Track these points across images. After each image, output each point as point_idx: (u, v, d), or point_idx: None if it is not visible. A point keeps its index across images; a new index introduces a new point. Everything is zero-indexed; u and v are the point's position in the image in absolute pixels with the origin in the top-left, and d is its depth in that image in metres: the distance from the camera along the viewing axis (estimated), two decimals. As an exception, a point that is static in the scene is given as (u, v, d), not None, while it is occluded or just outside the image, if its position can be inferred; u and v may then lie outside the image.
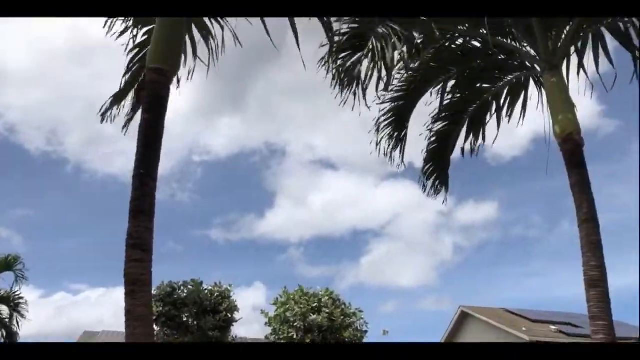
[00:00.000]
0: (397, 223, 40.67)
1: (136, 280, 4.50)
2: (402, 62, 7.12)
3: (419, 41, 7.18)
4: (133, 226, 4.63)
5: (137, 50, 7.01)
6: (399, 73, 7.71)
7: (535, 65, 7.39)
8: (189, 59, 6.98)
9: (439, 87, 8.09)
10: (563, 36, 6.90)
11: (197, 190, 41.44)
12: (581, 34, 7.02)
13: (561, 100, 6.72)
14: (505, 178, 38.49)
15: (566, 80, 7.06)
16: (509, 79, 7.95)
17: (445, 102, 8.22)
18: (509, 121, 8.21)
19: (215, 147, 42.78)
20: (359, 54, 6.96)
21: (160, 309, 20.66)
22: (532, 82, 7.97)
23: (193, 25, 6.75)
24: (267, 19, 5.61)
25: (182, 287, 21.91)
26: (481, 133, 8.46)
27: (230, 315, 21.91)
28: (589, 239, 6.07)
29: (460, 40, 7.81)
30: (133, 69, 7.04)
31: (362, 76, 6.85)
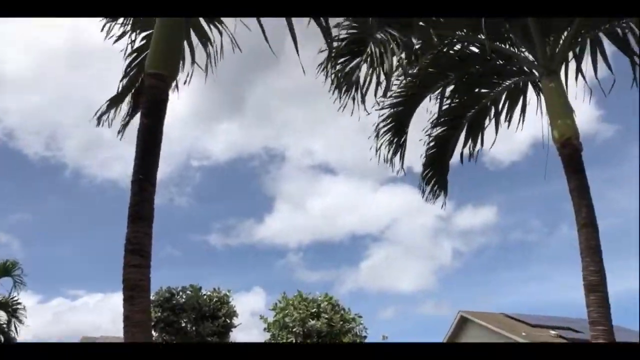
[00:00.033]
0: (396, 228, 40.72)
1: (135, 285, 4.49)
2: (400, 68, 7.14)
3: (417, 46, 7.19)
4: (132, 232, 4.62)
5: (135, 54, 7.01)
6: (397, 79, 7.74)
7: (534, 71, 7.41)
8: (187, 63, 6.99)
9: (437, 92, 8.11)
10: (561, 41, 6.92)
11: (195, 195, 41.47)
12: (579, 39, 7.04)
13: (559, 105, 6.74)
14: (504, 183, 38.56)
15: (564, 85, 7.08)
16: (507, 84, 7.97)
17: (444, 107, 8.24)
18: (508, 126, 8.23)
19: (214, 151, 42.90)
20: (357, 59, 6.98)
21: (159, 314, 20.64)
22: (530, 87, 7.99)
23: (191, 30, 6.76)
24: (265, 24, 5.62)
25: (180, 293, 21.90)
26: (480, 138, 8.48)
27: (229, 321, 21.89)
28: (588, 243, 6.07)
29: (458, 46, 7.84)
30: (131, 73, 7.04)
31: (361, 81, 6.87)
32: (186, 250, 38.66)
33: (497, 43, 7.39)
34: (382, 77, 6.69)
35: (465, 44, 7.76)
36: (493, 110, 8.26)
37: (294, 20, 5.68)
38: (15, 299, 19.69)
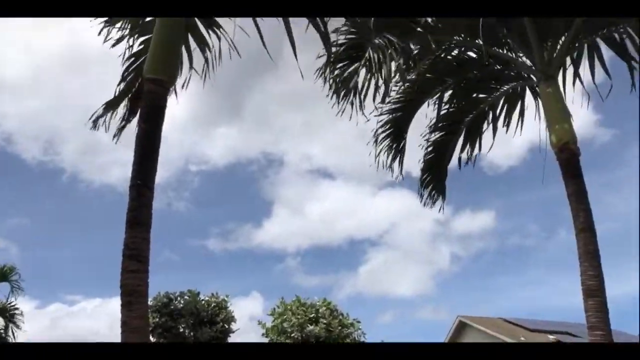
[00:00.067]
0: (395, 232, 40.70)
1: (132, 291, 4.48)
2: (399, 74, 7.16)
3: (415, 52, 7.21)
4: (129, 237, 4.61)
5: (132, 59, 7.01)
6: (396, 85, 7.76)
7: (531, 76, 7.43)
8: (185, 68, 7.00)
9: (435, 98, 8.13)
10: (558, 47, 6.95)
11: (193, 200, 41.43)
12: (577, 45, 7.07)
13: (557, 109, 6.76)
14: (502, 187, 38.58)
15: (562, 90, 7.11)
16: (505, 89, 7.99)
17: (442, 112, 8.26)
18: (506, 131, 8.25)
19: (213, 156, 42.87)
20: (356, 64, 6.99)
21: (157, 320, 20.58)
22: (528, 92, 8.02)
23: (190, 36, 6.77)
24: (263, 29, 5.64)
25: (178, 298, 21.84)
26: (478, 143, 8.50)
27: (227, 326, 21.85)
28: (586, 248, 6.08)
29: (455, 51, 7.86)
30: (128, 78, 7.04)
31: (359, 86, 6.89)
32: (184, 254, 38.58)
33: (495, 48, 7.41)
34: (381, 82, 6.71)
35: (463, 49, 7.78)
36: (491, 115, 8.28)
37: (292, 25, 5.71)
38: (12, 304, 19.65)
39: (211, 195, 44.90)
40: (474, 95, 8.25)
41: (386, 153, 8.33)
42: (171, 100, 5.61)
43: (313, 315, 21.71)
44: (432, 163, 8.61)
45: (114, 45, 6.90)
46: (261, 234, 43.12)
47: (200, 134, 40.27)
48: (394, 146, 8.35)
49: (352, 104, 7.15)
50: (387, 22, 6.38)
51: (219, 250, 40.34)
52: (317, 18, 5.97)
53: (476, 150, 8.53)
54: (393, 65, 6.67)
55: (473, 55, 7.80)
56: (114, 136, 7.11)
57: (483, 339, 22.93)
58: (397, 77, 7.29)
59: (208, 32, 6.76)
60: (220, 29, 6.70)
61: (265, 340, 22.18)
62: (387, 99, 7.68)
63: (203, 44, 6.89)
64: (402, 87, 7.95)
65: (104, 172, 40.59)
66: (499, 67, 7.87)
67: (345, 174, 41.08)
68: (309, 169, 42.16)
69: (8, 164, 36.76)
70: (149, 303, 6.17)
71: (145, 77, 5.30)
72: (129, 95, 7.03)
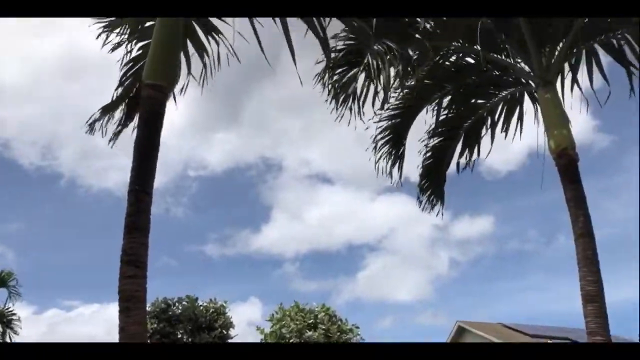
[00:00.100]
0: (393, 237, 40.69)
1: (130, 297, 4.46)
2: (397, 80, 7.18)
3: (414, 57, 7.22)
4: (127, 242, 4.60)
5: (131, 64, 7.02)
6: (395, 92, 7.79)
7: (530, 81, 7.45)
8: (183, 73, 7.00)
9: (434, 103, 8.15)
10: (557, 52, 6.97)
11: (192, 205, 41.38)
12: (575, 50, 7.09)
13: (556, 115, 6.77)
14: (500, 192, 38.60)
15: (560, 96, 7.12)
16: (503, 94, 8.01)
17: (440, 118, 8.27)
18: (505, 136, 8.26)
19: (211, 161, 42.86)
20: (354, 70, 7.01)
21: (155, 325, 20.51)
22: (527, 97, 8.03)
23: (188, 41, 6.78)
24: (262, 34, 5.65)
25: (176, 304, 21.78)
26: (476, 148, 8.51)
27: (225, 332, 21.78)
28: (585, 253, 6.07)
29: (454, 57, 7.88)
30: (126, 82, 7.05)
31: (358, 92, 6.90)
32: (182, 260, 38.52)
33: (493, 54, 7.43)
34: (379, 87, 6.72)
35: (461, 55, 7.80)
36: (489, 121, 8.29)
37: (291, 30, 5.72)
38: (10, 309, 19.60)
39: (209, 201, 44.88)
40: (473, 100, 8.27)
41: (385, 159, 8.34)
42: (170, 106, 5.62)
43: (312, 320, 21.66)
44: (430, 168, 8.61)
45: (112, 50, 6.93)
46: (260, 239, 43.06)
47: (198, 139, 40.32)
48: (393, 152, 8.36)
49: (350, 109, 7.16)
50: (385, 27, 6.37)
51: (217, 256, 40.27)
52: (316, 23, 5.99)
53: (475, 156, 8.55)
54: (392, 71, 6.68)
55: (471, 61, 7.82)
56: (110, 140, 7.13)
57: (482, 345, 22.85)
58: (396, 83, 7.30)
59: (207, 38, 6.78)
60: (219, 35, 6.72)
61: (264, 346, 22.09)
62: (386, 105, 7.70)
63: (202, 50, 6.91)
64: (401, 94, 7.98)
65: (102, 177, 40.60)
66: (497, 73, 7.89)
67: (344, 179, 41.15)
68: (308, 174, 42.21)
69: (5, 169, 36.71)
70: (147, 309, 6.16)
71: (144, 83, 5.30)
72: (126, 100, 7.04)
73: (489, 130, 8.33)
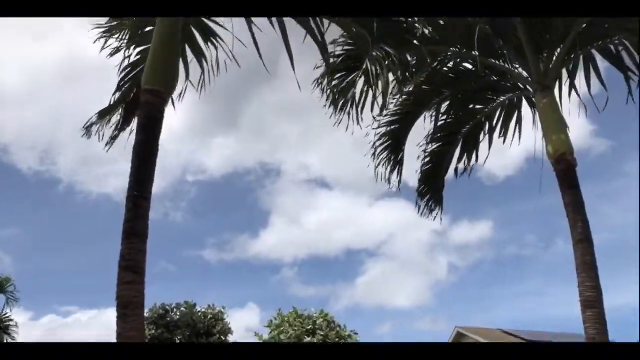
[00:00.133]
0: (392, 243, 40.67)
1: (128, 303, 4.45)
2: (396, 86, 7.20)
3: (413, 63, 7.24)
4: (126, 248, 4.60)
5: (129, 69, 7.03)
6: (393, 98, 7.81)
7: (528, 87, 7.46)
8: (182, 79, 7.00)
9: (433, 109, 8.17)
10: (554, 58, 6.99)
11: (190, 210, 41.33)
12: (572, 56, 7.11)
13: (554, 120, 6.78)
14: (499, 197, 38.62)
15: (559, 101, 7.14)
16: (501, 100, 8.03)
17: (439, 123, 8.29)
18: (503, 142, 8.28)
19: (210, 166, 42.84)
20: (353, 75, 7.01)
21: (153, 331, 20.44)
22: (525, 102, 8.05)
23: (187, 47, 6.79)
24: (261, 39, 5.67)
25: (175, 310, 21.72)
26: (475, 153, 8.52)
27: (224, 338, 21.69)
28: (584, 259, 6.06)
29: (452, 63, 7.90)
30: (124, 87, 7.05)
31: (357, 97, 6.91)
32: (181, 265, 38.41)
33: (491, 59, 7.45)
34: (378, 93, 6.73)
35: (458, 60, 7.82)
36: (488, 126, 8.31)
37: (290, 35, 5.74)
38: (7, 315, 19.54)
39: (208, 206, 44.81)
40: (471, 106, 8.28)
41: (385, 165, 8.36)
42: (168, 111, 5.61)
43: (310, 327, 21.60)
44: (429, 174, 8.62)
45: (112, 55, 6.93)
46: (258, 244, 43.03)
47: (197, 144, 40.36)
48: (392, 158, 8.38)
49: (349, 114, 7.17)
50: (384, 33, 6.38)
51: (216, 261, 40.17)
52: (315, 28, 6.01)
53: (473, 161, 8.56)
54: (391, 76, 6.69)
55: (469, 66, 7.84)
56: (107, 144, 7.13)
57: (481, 351, 22.76)
58: (394, 89, 7.32)
59: (206, 44, 6.79)
60: (218, 40, 6.73)
61: (262, 352, 22.03)
62: (385, 112, 7.73)
63: (200, 55, 6.91)
64: (400, 100, 8.00)
65: (101, 183, 40.50)
66: (495, 78, 7.90)
67: (343, 184, 41.12)
68: (306, 179, 42.16)
69: (4, 174, 36.66)
70: (145, 314, 6.14)
71: (143, 88, 5.31)
72: (124, 105, 7.04)
73: (487, 136, 8.34)
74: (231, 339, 22.24)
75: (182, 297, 22.53)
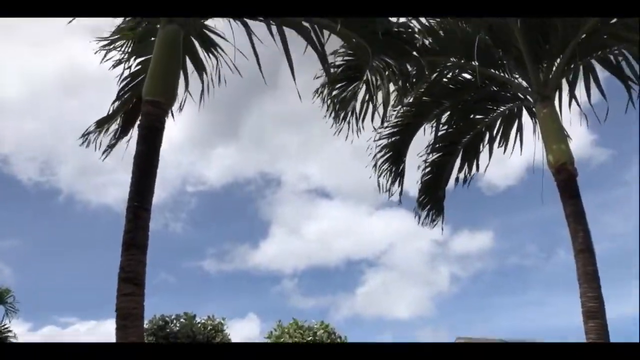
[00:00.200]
0: (392, 252, 40.49)
1: (128, 314, 4.43)
2: (396, 97, 7.21)
3: (413, 73, 7.25)
4: (125, 259, 4.58)
5: (129, 79, 7.04)
6: (394, 110, 7.83)
7: (528, 97, 7.48)
8: (182, 89, 7.01)
9: (433, 120, 8.19)
10: (554, 68, 7.01)
11: (190, 220, 41.25)
12: (572, 66, 7.13)
13: (554, 130, 6.78)
14: (500, 207, 38.55)
15: (559, 111, 7.15)
16: (501, 110, 8.04)
17: (439, 134, 8.30)
18: (504, 151, 8.28)
19: (210, 176, 42.81)
20: (353, 85, 7.03)
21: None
22: (525, 112, 8.06)
23: (187, 58, 6.80)
24: (261, 50, 5.69)
25: (174, 321, 21.62)
26: (475, 163, 8.52)
27: (223, 349, 21.56)
28: (585, 269, 6.04)
29: (451, 74, 7.91)
30: (124, 97, 7.05)
31: (357, 108, 6.93)
32: (180, 276, 38.29)
33: (491, 70, 7.47)
34: (379, 102, 6.74)
35: (457, 71, 7.84)
36: (488, 136, 8.31)
37: (290, 45, 5.75)
38: (6, 326, 19.44)
39: (208, 216, 44.74)
40: (471, 116, 8.29)
41: (386, 176, 8.36)
42: (168, 121, 5.61)
43: (310, 338, 21.49)
44: (429, 184, 8.62)
45: (113, 67, 6.94)
46: (258, 255, 42.84)
47: (197, 155, 40.35)
48: (393, 169, 8.39)
49: (348, 123, 7.18)
50: (384, 43, 6.39)
51: (215, 272, 40.02)
52: (315, 38, 6.02)
53: (474, 171, 8.56)
54: (391, 86, 6.70)
55: (469, 77, 7.86)
56: (104, 152, 7.13)
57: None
58: (394, 100, 7.34)
59: (208, 55, 6.80)
60: (218, 51, 6.75)
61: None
62: (386, 123, 7.77)
63: (201, 66, 6.93)
64: (401, 111, 8.02)
65: (100, 193, 40.49)
66: (495, 89, 7.92)
67: (343, 193, 41.08)
68: (307, 188, 42.11)
69: (4, 184, 36.63)
70: (145, 326, 6.10)
71: (143, 99, 5.32)
72: (122, 114, 7.04)
73: (488, 146, 8.35)
74: (231, 349, 22.14)
75: (182, 307, 22.45)
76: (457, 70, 7.83)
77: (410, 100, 7.93)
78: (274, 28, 5.91)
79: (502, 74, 7.56)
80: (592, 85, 7.25)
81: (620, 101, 7.14)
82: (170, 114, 6.32)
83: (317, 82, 7.17)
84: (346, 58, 7.08)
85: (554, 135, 6.74)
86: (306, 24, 6.04)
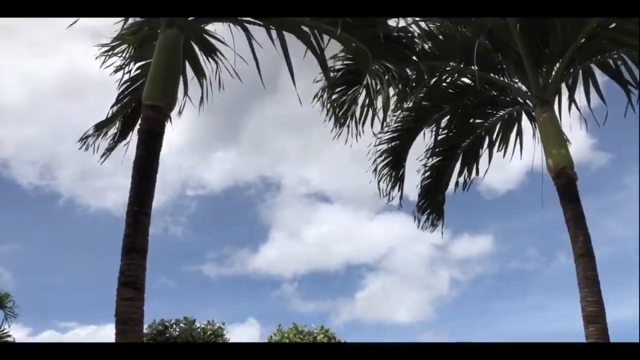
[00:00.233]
0: (392, 257, 40.33)
1: (127, 319, 4.42)
2: (396, 102, 7.22)
3: (413, 77, 7.26)
4: (125, 264, 4.57)
5: (128, 83, 7.04)
6: (394, 115, 7.85)
7: (527, 101, 7.48)
8: (181, 92, 7.01)
9: (433, 124, 8.19)
10: (553, 73, 7.02)
11: (190, 225, 41.16)
12: (571, 70, 7.14)
13: (553, 134, 6.79)
14: (499, 211, 38.47)
15: (558, 115, 7.15)
16: (501, 114, 8.05)
17: (439, 138, 8.31)
18: (504, 155, 8.28)
19: (210, 181, 42.70)
20: (353, 89, 7.04)
21: (152, 347, 20.26)
22: (524, 116, 8.07)
23: (187, 63, 6.80)
24: (261, 54, 5.70)
25: (174, 325, 21.54)
26: (475, 167, 8.52)
27: (223, 354, 21.49)
28: (586, 273, 6.03)
29: (451, 78, 7.92)
30: (123, 101, 7.06)
31: (357, 112, 6.93)
32: (180, 280, 38.14)
33: (491, 74, 7.48)
34: (378, 106, 6.75)
35: (456, 75, 7.85)
36: (487, 140, 8.32)
37: (290, 50, 5.76)
38: (5, 331, 19.38)
39: (208, 220, 44.64)
40: (471, 120, 8.30)
41: (386, 181, 8.37)
42: (168, 125, 5.61)
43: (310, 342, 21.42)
44: (429, 188, 8.62)
45: (115, 72, 6.94)
46: (258, 259, 42.72)
47: (197, 158, 40.28)
48: (393, 174, 8.40)
49: (348, 126, 7.19)
50: (383, 48, 6.40)
51: (215, 276, 39.91)
52: (315, 44, 6.03)
53: (473, 175, 8.56)
54: (391, 91, 6.71)
55: (469, 81, 7.87)
56: (102, 156, 7.13)
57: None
58: (394, 104, 7.35)
59: (208, 59, 6.81)
60: (217, 55, 6.76)
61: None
62: (386, 128, 7.79)
63: (201, 71, 6.93)
64: (400, 116, 8.03)
65: (100, 197, 40.37)
66: (495, 93, 7.92)
67: (343, 197, 40.96)
68: (307, 192, 42.04)
69: (4, 188, 36.56)
70: (144, 331, 6.09)
71: (143, 103, 5.32)
72: (121, 118, 7.04)
73: (487, 150, 8.36)
74: (231, 354, 22.06)
75: (182, 312, 22.39)
76: (456, 75, 7.84)
77: (410, 105, 7.94)
78: (273, 33, 5.92)
79: (501, 79, 7.57)
80: (592, 89, 7.26)
81: (619, 105, 7.16)
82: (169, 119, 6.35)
83: (317, 86, 7.19)
84: (346, 62, 7.10)
85: (554, 139, 6.74)
86: (306, 29, 6.05)
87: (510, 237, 42.56)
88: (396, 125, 8.10)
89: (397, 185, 8.44)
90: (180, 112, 7.01)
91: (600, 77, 7.26)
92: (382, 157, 8.29)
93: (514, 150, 8.22)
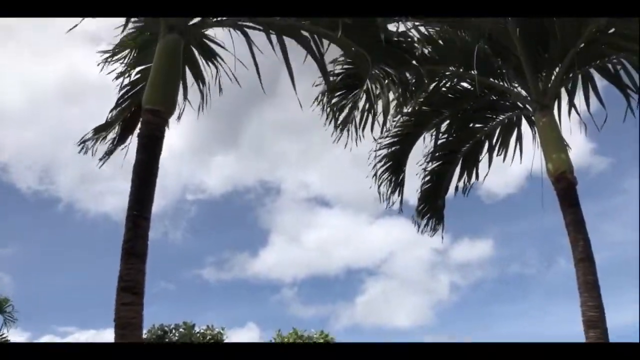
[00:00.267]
0: (392, 261, 40.35)
1: (127, 324, 4.41)
2: (396, 106, 7.23)
3: (413, 81, 7.26)
4: (125, 268, 4.56)
5: (128, 87, 7.05)
6: (394, 120, 7.85)
7: (527, 105, 7.49)
8: (181, 97, 7.02)
9: (433, 129, 8.20)
10: (553, 77, 7.03)
11: (190, 229, 41.15)
12: (571, 75, 7.15)
13: (553, 139, 6.79)
14: (499, 216, 38.47)
15: (558, 120, 7.16)
16: (501, 118, 8.06)
17: (439, 142, 8.31)
18: (503, 160, 8.29)
19: (210, 185, 42.77)
20: (353, 93, 7.04)
21: (151, 352, 20.22)
22: (524, 121, 8.07)
23: (187, 67, 6.81)
24: (261, 58, 5.70)
25: (173, 330, 21.53)
26: (475, 171, 8.52)
27: None
28: (586, 278, 6.02)
29: (450, 83, 7.94)
30: (123, 105, 7.06)
31: (357, 116, 6.93)
32: (180, 284, 38.13)
33: (490, 79, 7.49)
34: (378, 110, 6.75)
35: (455, 80, 7.86)
36: (487, 145, 8.32)
37: (290, 54, 5.76)
38: (4, 336, 19.33)
39: (208, 224, 44.65)
40: (471, 125, 8.30)
41: (386, 186, 8.37)
42: (168, 129, 5.61)
43: (310, 347, 21.38)
44: (429, 192, 8.61)
45: (116, 78, 6.95)
46: (258, 263, 42.72)
47: (197, 163, 40.36)
48: (393, 179, 8.40)
49: (347, 130, 7.19)
50: (383, 52, 6.40)
51: (215, 280, 39.88)
52: (315, 48, 6.04)
53: (473, 179, 8.56)
54: (391, 95, 6.72)
55: (468, 86, 7.88)
56: (100, 159, 7.13)
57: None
58: (394, 109, 7.35)
59: (208, 64, 6.82)
60: (217, 60, 6.77)
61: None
62: (385, 132, 7.79)
63: (200, 76, 6.94)
64: (400, 120, 8.04)
65: (100, 202, 40.41)
66: (494, 98, 7.93)
67: (343, 202, 41.03)
68: (306, 197, 42.10)
69: (3, 193, 36.57)
70: (144, 335, 6.07)
71: (143, 108, 5.32)
72: (120, 122, 7.05)
73: (487, 154, 8.36)
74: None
75: (181, 316, 22.42)
76: (456, 79, 7.85)
77: (410, 110, 7.95)
78: (273, 37, 5.93)
79: (501, 83, 7.58)
80: (591, 94, 7.28)
81: (618, 110, 7.17)
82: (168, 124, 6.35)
83: (317, 90, 7.19)
84: (346, 66, 7.10)
85: (553, 144, 6.75)
86: (305, 33, 6.07)
87: (510, 242, 42.61)
88: (396, 129, 8.11)
89: (397, 189, 8.45)
90: (179, 117, 7.03)
91: (600, 81, 7.28)
92: (382, 162, 8.29)
93: (513, 154, 8.24)
